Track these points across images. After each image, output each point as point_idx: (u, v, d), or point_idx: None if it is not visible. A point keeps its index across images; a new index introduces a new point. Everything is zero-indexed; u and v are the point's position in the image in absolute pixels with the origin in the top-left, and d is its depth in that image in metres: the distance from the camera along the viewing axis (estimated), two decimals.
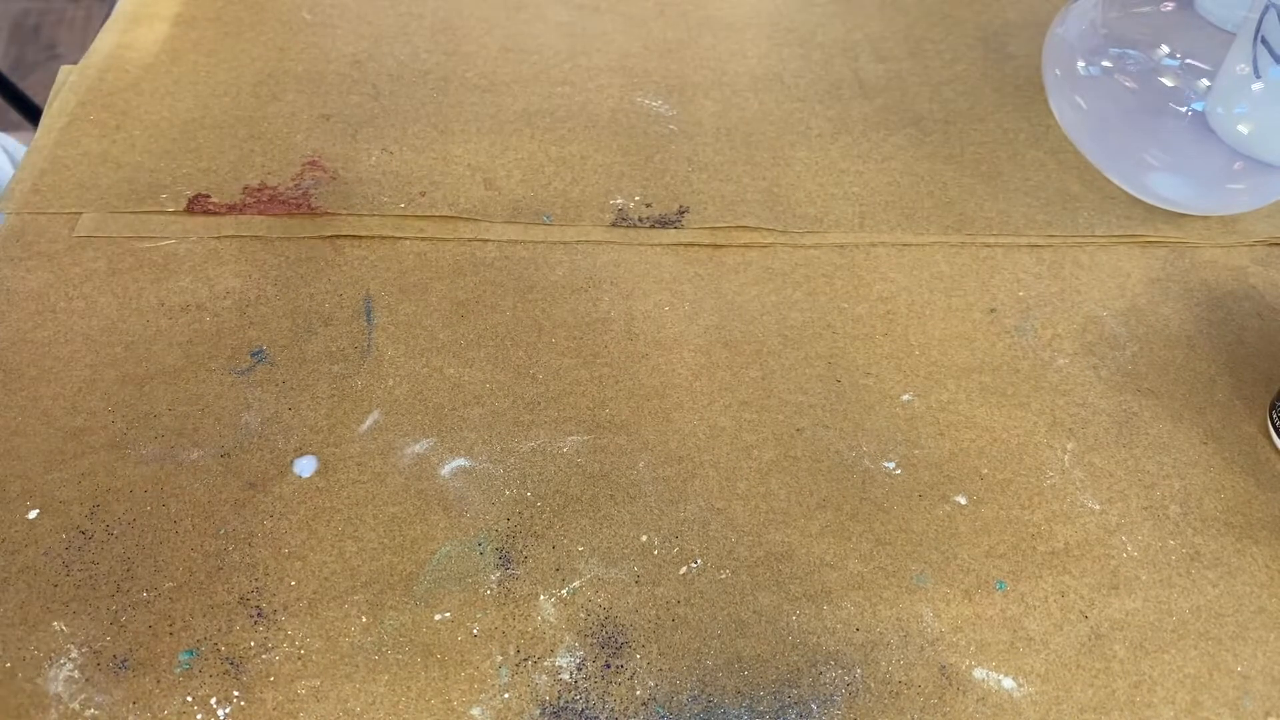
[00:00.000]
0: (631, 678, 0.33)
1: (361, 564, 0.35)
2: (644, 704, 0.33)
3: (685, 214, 0.49)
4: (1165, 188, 0.49)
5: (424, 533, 0.36)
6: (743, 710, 0.33)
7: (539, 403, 0.41)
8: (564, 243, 0.47)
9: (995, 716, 0.33)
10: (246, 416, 0.39)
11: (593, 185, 0.50)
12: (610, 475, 0.39)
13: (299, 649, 0.33)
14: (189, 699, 0.32)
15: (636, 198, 0.49)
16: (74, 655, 0.33)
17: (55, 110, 0.52)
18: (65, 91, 0.53)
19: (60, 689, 0.32)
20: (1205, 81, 0.44)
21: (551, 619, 0.35)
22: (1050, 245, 0.49)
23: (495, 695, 0.33)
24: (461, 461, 0.39)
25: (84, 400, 0.39)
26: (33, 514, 0.36)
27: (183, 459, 0.38)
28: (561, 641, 0.34)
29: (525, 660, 0.34)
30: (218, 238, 0.46)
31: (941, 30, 0.61)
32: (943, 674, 0.34)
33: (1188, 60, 0.45)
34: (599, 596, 0.35)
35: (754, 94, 0.56)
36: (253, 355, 0.42)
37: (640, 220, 0.48)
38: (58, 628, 0.33)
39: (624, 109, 0.54)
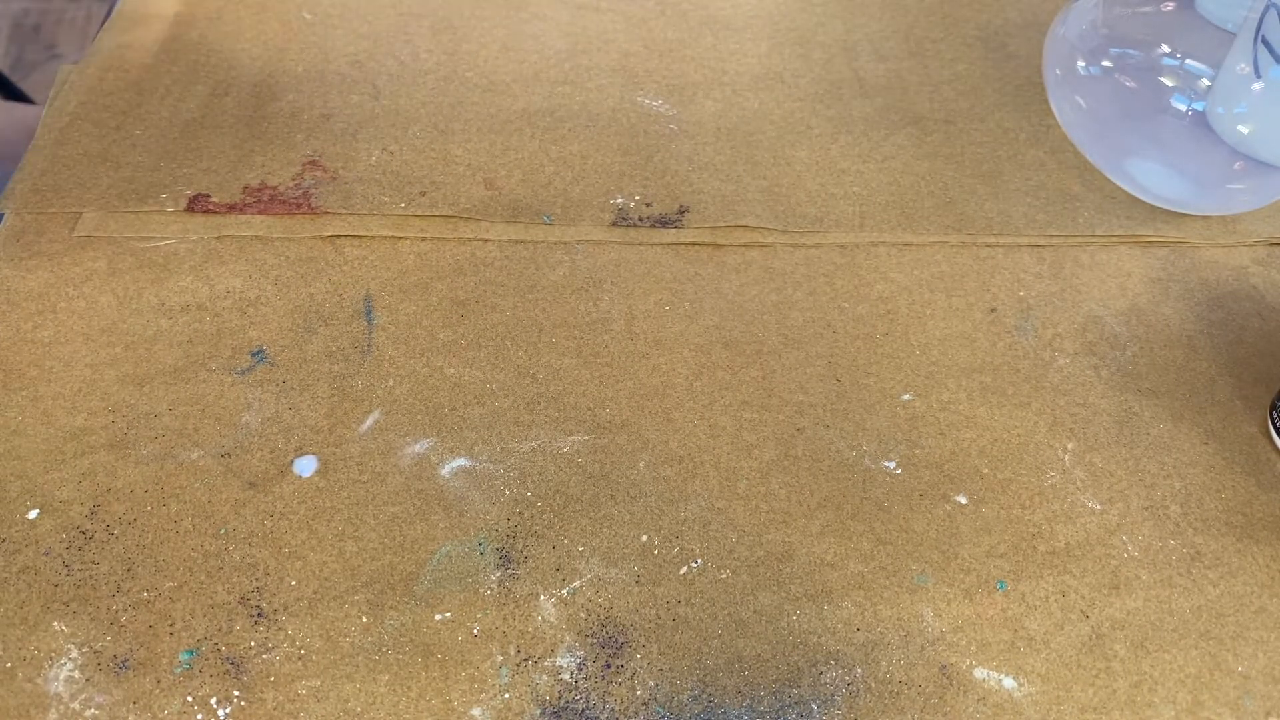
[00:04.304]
0: (632, 678, 0.33)
1: (362, 564, 0.35)
2: (644, 704, 0.33)
3: (685, 213, 0.49)
4: (1165, 188, 0.49)
5: (424, 533, 0.36)
6: (743, 710, 0.33)
7: (539, 402, 0.41)
8: (564, 242, 0.47)
9: (996, 716, 0.33)
10: (246, 416, 0.39)
11: (593, 185, 0.50)
12: (610, 475, 0.39)
13: (299, 649, 0.33)
14: (189, 699, 0.32)
15: (637, 197, 0.49)
16: (74, 655, 0.33)
17: (55, 110, 0.52)
18: (65, 91, 0.53)
19: (60, 689, 0.32)
20: (1205, 81, 0.44)
21: (552, 619, 0.35)
22: (1050, 245, 0.49)
23: (495, 695, 0.33)
24: (461, 461, 0.39)
25: (84, 400, 0.39)
26: (33, 514, 0.36)
27: (183, 459, 0.38)
28: (562, 641, 0.34)
29: (525, 660, 0.33)
30: (218, 238, 0.46)
31: (941, 30, 0.61)
32: (943, 674, 0.34)
33: (1188, 60, 0.45)
34: (599, 596, 0.35)
35: (754, 94, 0.56)
36: (253, 355, 0.41)
37: (640, 220, 0.48)
38: (58, 628, 0.33)
39: (624, 109, 0.54)
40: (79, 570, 0.35)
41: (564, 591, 0.35)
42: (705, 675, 0.34)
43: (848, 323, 0.44)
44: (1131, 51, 0.46)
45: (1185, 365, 0.44)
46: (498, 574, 0.36)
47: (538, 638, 0.34)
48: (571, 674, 0.33)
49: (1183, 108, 0.45)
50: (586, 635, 0.34)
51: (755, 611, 0.35)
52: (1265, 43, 0.41)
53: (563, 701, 0.33)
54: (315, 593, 0.35)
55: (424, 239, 0.47)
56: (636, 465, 0.39)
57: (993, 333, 0.45)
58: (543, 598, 0.35)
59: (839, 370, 0.43)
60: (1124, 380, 0.43)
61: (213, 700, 0.32)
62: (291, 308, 0.43)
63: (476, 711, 0.32)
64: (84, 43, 1.55)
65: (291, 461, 0.38)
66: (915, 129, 0.54)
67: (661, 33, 0.60)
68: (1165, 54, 0.45)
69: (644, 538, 0.37)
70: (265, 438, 0.39)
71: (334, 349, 0.42)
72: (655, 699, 0.33)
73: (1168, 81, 0.45)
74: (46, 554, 0.35)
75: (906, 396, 0.42)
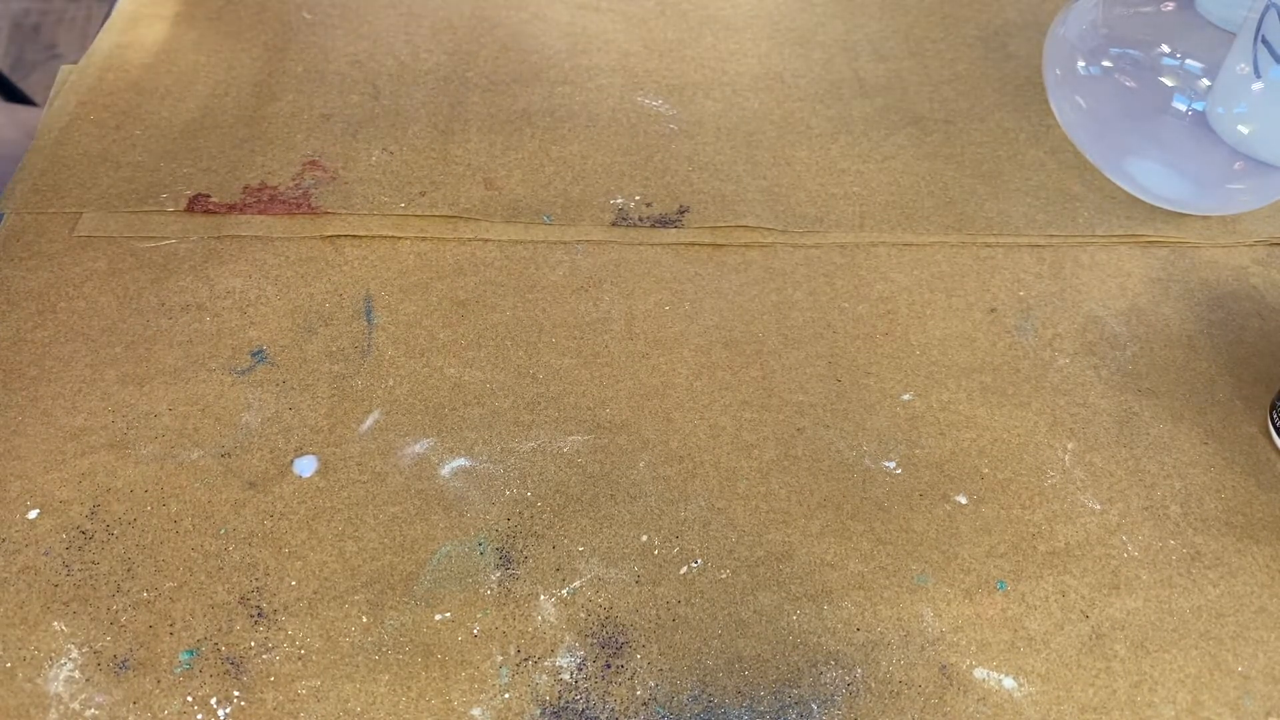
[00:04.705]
0: (632, 678, 0.33)
1: (362, 564, 0.35)
2: (644, 704, 0.33)
3: (685, 213, 0.49)
4: (1165, 188, 0.49)
5: (424, 533, 0.36)
6: (743, 710, 0.33)
7: (539, 402, 0.41)
8: (564, 242, 0.47)
9: (996, 716, 0.33)
10: (246, 416, 0.39)
11: (593, 185, 0.50)
12: (610, 475, 0.39)
13: (299, 649, 0.33)
14: (189, 699, 0.32)
15: (637, 197, 0.49)
16: (74, 655, 0.33)
17: (55, 110, 0.52)
18: (65, 91, 0.53)
19: (60, 689, 0.32)
20: (1205, 81, 0.44)
21: (552, 619, 0.35)
22: (1050, 245, 0.49)
23: (495, 695, 0.33)
24: (461, 461, 0.39)
25: (84, 400, 0.39)
26: (33, 514, 0.36)
27: (183, 459, 0.38)
28: (562, 641, 0.34)
29: (525, 660, 0.33)
30: (218, 238, 0.46)
31: (941, 30, 0.61)
32: (943, 674, 0.34)
33: (1188, 60, 0.45)
34: (599, 596, 0.35)
35: (754, 93, 0.56)
36: (253, 355, 0.41)
37: (640, 220, 0.48)
38: (58, 628, 0.33)
39: (624, 108, 0.54)
40: (79, 570, 0.35)
41: (564, 591, 0.35)
42: (705, 675, 0.34)
43: (848, 323, 0.45)
44: (1131, 51, 0.46)
45: (1185, 365, 0.44)
46: (498, 574, 0.36)
47: (538, 638, 0.34)
48: (571, 674, 0.33)
49: (1183, 108, 0.45)
50: (586, 635, 0.34)
51: (755, 611, 0.35)
52: (1265, 43, 0.41)
53: (563, 701, 0.33)
54: (315, 593, 0.35)
55: (424, 239, 0.47)
56: (636, 465, 0.39)
57: (993, 333, 0.45)
58: (543, 598, 0.35)
59: (839, 370, 0.43)
60: (1124, 380, 0.43)
61: (213, 700, 0.32)
62: (291, 308, 0.43)
63: (476, 711, 0.32)
64: (84, 43, 1.54)
65: (291, 461, 0.38)
66: (915, 129, 0.54)
67: (661, 33, 0.60)
68: (1165, 54, 0.45)
69: (644, 538, 0.37)
70: (265, 438, 0.39)
71: (334, 349, 0.42)
72: (655, 699, 0.33)
73: (1168, 81, 0.45)
74: (46, 554, 0.35)
75: (906, 396, 0.42)
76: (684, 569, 0.36)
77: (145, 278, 0.44)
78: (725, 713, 0.33)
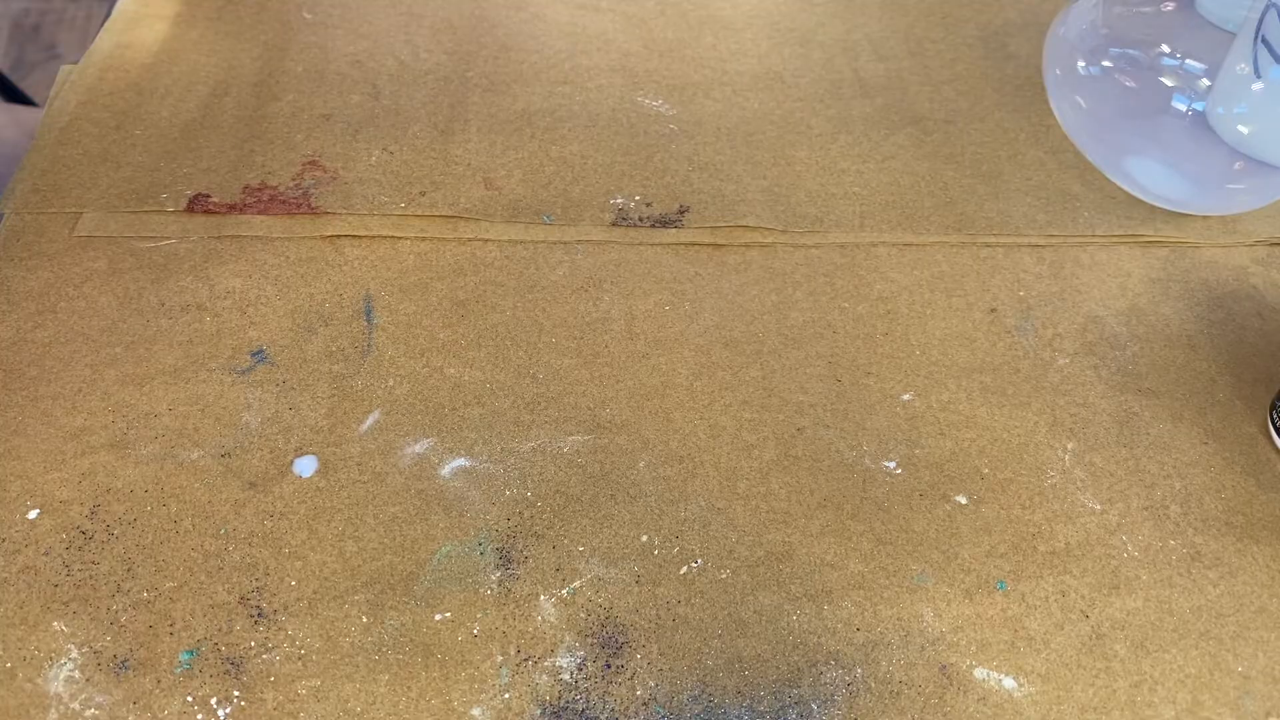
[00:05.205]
0: (632, 678, 0.33)
1: (362, 564, 0.35)
2: (644, 704, 0.33)
3: (686, 213, 0.49)
4: (1165, 188, 0.49)
5: (424, 533, 0.36)
6: (743, 710, 0.33)
7: (539, 402, 0.41)
8: (564, 242, 0.47)
9: (996, 716, 0.33)
10: (246, 416, 0.39)
11: (593, 185, 0.50)
12: (610, 475, 0.39)
13: (299, 649, 0.33)
14: (189, 699, 0.32)
15: (637, 197, 0.49)
16: (74, 655, 0.33)
17: (55, 110, 0.52)
18: (65, 91, 0.53)
19: (60, 689, 0.32)
20: (1205, 81, 0.44)
21: (552, 619, 0.35)
22: (1050, 245, 0.49)
23: (495, 695, 0.33)
24: (461, 461, 0.39)
25: (84, 400, 0.39)
26: (33, 514, 0.36)
27: (183, 459, 0.38)
28: (562, 641, 0.34)
29: (525, 660, 0.33)
30: (218, 238, 0.46)
31: (941, 30, 0.61)
32: (943, 674, 0.34)
33: (1188, 60, 0.45)
34: (599, 596, 0.35)
35: (754, 93, 0.56)
36: (253, 355, 0.41)
37: (641, 220, 0.48)
38: (58, 628, 0.33)
39: (624, 109, 0.54)
40: (79, 570, 0.35)
41: (564, 591, 0.35)
42: (705, 675, 0.34)
43: (848, 323, 0.44)
44: (1131, 51, 0.46)
45: (1185, 365, 0.44)
46: (498, 574, 0.36)
47: (538, 638, 0.34)
48: (571, 674, 0.33)
49: (1183, 108, 0.45)
50: (586, 635, 0.34)
51: (755, 611, 0.35)
52: (1265, 43, 0.41)
53: (563, 701, 0.33)
54: (315, 593, 0.35)
55: (424, 239, 0.47)
56: (636, 465, 0.39)
57: (993, 333, 0.45)
58: (543, 598, 0.35)
59: (839, 370, 0.43)
60: (1124, 380, 0.43)
61: (213, 700, 0.32)
62: (291, 308, 0.43)
63: (476, 711, 0.32)
64: (84, 43, 1.54)
65: (291, 461, 0.38)
66: (915, 129, 0.54)
67: (661, 33, 0.60)
68: (1165, 54, 0.45)
69: (644, 538, 0.37)
70: (265, 438, 0.39)
71: (334, 349, 0.42)
72: (655, 699, 0.33)
73: (1168, 81, 0.45)
74: (46, 554, 0.35)
75: (906, 396, 0.42)
76: (684, 569, 0.36)
77: (145, 278, 0.44)
78: (725, 713, 0.33)
